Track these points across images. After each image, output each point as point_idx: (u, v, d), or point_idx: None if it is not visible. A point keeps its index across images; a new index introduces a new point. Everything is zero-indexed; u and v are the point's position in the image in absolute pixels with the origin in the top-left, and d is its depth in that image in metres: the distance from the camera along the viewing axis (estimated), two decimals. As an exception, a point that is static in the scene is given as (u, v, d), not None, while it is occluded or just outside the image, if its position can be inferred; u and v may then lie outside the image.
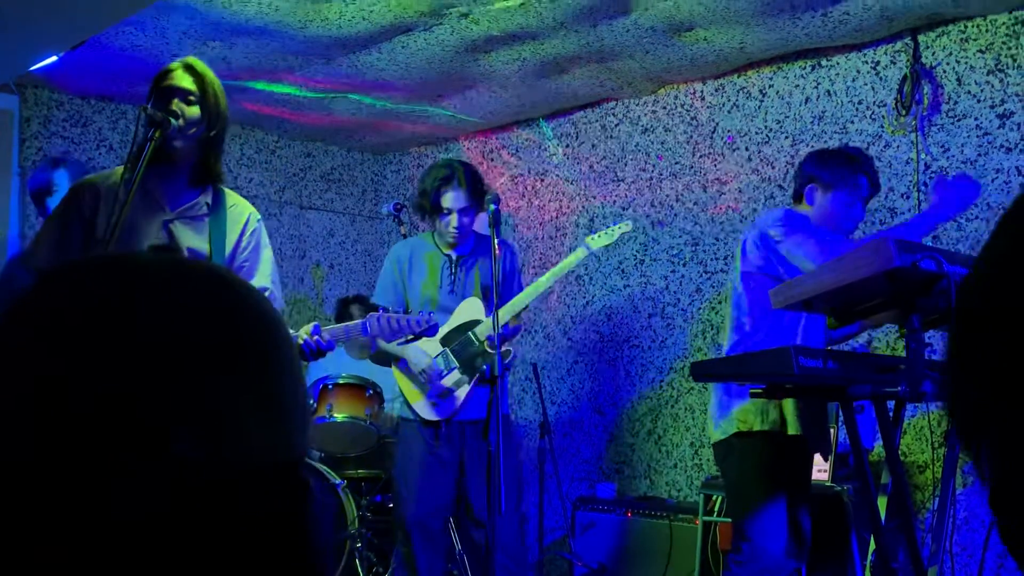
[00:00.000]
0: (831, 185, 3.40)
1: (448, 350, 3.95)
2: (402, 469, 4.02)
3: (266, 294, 2.83)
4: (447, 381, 3.95)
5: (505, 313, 3.87)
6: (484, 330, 3.89)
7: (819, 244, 3.19)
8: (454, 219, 3.92)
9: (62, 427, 0.57)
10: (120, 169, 2.80)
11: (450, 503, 3.98)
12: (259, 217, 2.95)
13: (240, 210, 2.89)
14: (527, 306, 4.04)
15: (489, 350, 3.80)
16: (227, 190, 2.90)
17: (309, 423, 0.72)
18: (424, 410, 3.95)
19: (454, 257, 4.04)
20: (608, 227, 4.14)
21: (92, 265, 0.65)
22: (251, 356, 0.64)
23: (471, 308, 4.00)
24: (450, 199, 3.91)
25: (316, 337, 2.74)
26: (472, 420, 3.96)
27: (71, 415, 0.57)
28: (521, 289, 4.07)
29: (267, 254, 2.93)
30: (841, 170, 3.38)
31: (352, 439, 4.79)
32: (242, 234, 2.86)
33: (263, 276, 2.90)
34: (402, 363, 4.02)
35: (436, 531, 3.94)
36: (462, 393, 3.95)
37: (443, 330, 3.95)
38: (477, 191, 3.98)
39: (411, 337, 3.18)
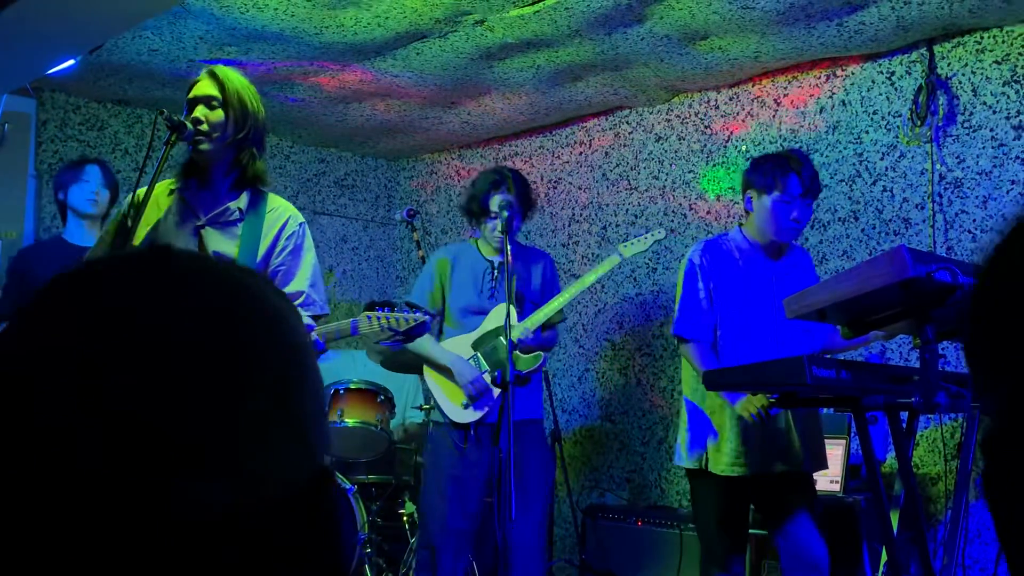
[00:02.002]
0: (764, 188, 3.45)
1: (478, 354, 3.99)
2: (433, 472, 4.02)
3: (302, 299, 2.82)
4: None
5: (537, 319, 3.93)
6: (514, 335, 3.93)
7: (680, 309, 3.51)
8: (501, 223, 3.96)
9: (67, 453, 0.54)
10: (169, 182, 2.83)
11: (479, 506, 3.99)
12: (301, 220, 2.89)
13: (279, 214, 2.85)
14: (562, 312, 4.08)
15: (520, 354, 3.86)
16: (271, 194, 2.87)
17: (327, 428, 0.70)
18: (456, 412, 3.97)
19: (496, 263, 4.07)
20: (641, 235, 4.17)
21: (98, 268, 0.62)
22: (266, 369, 0.60)
23: (503, 314, 4.02)
24: (498, 202, 3.93)
25: None
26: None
27: (78, 436, 0.54)
28: None
29: (308, 258, 2.87)
30: (772, 171, 3.43)
31: (363, 444, 4.79)
32: (277, 238, 2.82)
33: (301, 281, 2.84)
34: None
35: (465, 535, 3.94)
36: (495, 395, 3.98)
37: (476, 334, 4.00)
38: (526, 198, 4.03)
39: (402, 337, 3.16)
